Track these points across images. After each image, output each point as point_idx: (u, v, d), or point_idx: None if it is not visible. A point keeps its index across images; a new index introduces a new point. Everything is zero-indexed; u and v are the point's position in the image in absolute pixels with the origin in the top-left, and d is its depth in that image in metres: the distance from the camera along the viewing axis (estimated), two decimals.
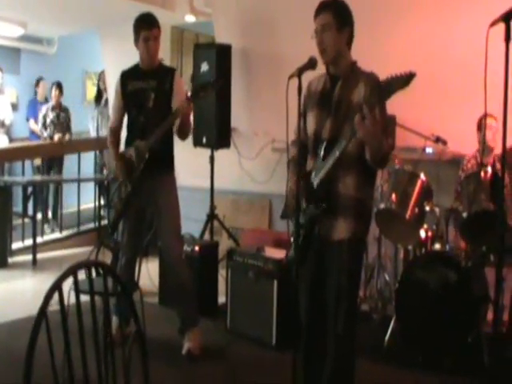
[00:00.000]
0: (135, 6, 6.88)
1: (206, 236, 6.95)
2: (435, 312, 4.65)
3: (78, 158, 9.63)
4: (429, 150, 5.40)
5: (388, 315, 5.36)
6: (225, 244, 6.80)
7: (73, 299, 2.22)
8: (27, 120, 10.58)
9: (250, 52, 7.31)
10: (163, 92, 4.69)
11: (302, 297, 3.46)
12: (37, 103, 10.44)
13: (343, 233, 3.29)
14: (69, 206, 9.72)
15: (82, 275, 2.22)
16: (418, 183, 4.90)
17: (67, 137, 9.54)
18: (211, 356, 4.85)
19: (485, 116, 4.72)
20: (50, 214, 9.46)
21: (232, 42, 7.13)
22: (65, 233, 9.07)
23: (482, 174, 4.66)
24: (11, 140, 10.56)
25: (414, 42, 5.96)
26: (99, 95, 10.30)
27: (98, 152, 10.08)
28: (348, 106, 3.25)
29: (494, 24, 2.38)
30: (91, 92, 11.97)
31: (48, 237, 8.88)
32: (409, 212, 4.80)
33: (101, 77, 10.29)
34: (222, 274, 5.84)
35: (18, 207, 9.05)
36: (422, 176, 4.91)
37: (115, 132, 4.96)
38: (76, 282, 2.18)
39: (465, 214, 4.65)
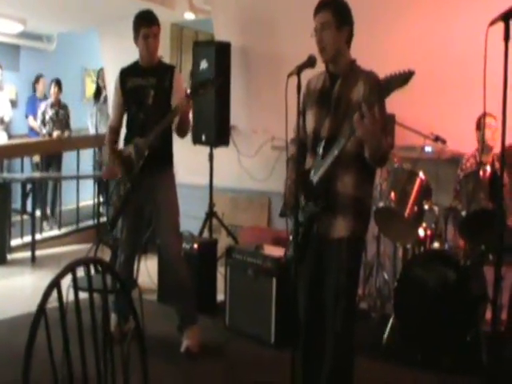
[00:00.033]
0: (135, 4, 6.86)
1: (205, 234, 6.96)
2: (434, 311, 4.65)
3: (76, 155, 9.62)
4: (428, 148, 5.40)
5: (387, 313, 5.36)
6: (224, 242, 6.80)
7: (71, 296, 2.22)
8: (26, 117, 10.57)
9: (249, 50, 7.31)
10: (163, 89, 4.68)
11: (301, 295, 3.46)
12: (36, 100, 10.44)
13: (342, 231, 3.30)
14: (68, 203, 9.71)
15: (80, 272, 2.23)
16: (417, 182, 4.90)
17: (66, 134, 9.54)
18: (210, 353, 4.86)
19: (484, 115, 4.72)
20: (48, 211, 9.46)
21: (231, 39, 7.13)
22: (64, 230, 9.06)
23: (481, 172, 4.66)
24: (10, 137, 10.54)
25: (413, 41, 5.96)
26: (98, 92, 10.30)
27: (96, 149, 10.08)
28: (347, 105, 3.25)
29: (493, 23, 2.38)
30: (90, 89, 11.97)
31: (47, 234, 8.88)
32: (408, 211, 4.81)
33: (100, 74, 10.28)
34: (220, 271, 5.85)
35: (16, 204, 9.04)
36: (421, 175, 4.92)
37: (114, 130, 4.96)
38: (75, 279, 2.18)
39: (464, 213, 4.65)
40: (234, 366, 4.71)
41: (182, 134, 4.77)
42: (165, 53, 8.12)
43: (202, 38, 10.03)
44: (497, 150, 5.08)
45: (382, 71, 3.08)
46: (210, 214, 7.01)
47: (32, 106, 10.40)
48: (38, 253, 7.89)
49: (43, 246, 8.28)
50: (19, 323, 5.19)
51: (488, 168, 4.66)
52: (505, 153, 2.49)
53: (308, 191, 3.34)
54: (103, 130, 9.23)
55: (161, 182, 4.77)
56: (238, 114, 7.28)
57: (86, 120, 10.50)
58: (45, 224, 9.09)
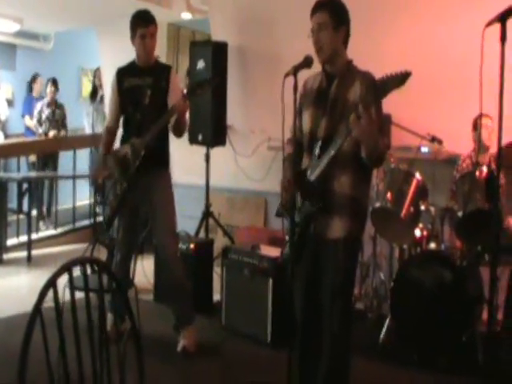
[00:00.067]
0: (132, 3, 6.86)
1: (201, 233, 6.95)
2: (430, 311, 4.65)
3: (73, 154, 9.62)
4: (424, 149, 5.40)
5: (383, 314, 5.37)
6: (220, 242, 6.80)
7: (68, 296, 2.22)
8: (23, 116, 10.56)
9: (246, 50, 7.31)
10: (159, 89, 4.68)
11: (298, 295, 3.46)
12: (32, 99, 10.43)
13: (339, 231, 3.30)
14: (64, 203, 9.70)
15: (76, 272, 2.22)
16: (414, 182, 4.90)
17: (62, 133, 9.53)
18: (206, 353, 4.86)
19: (480, 116, 4.73)
20: (45, 211, 9.46)
21: (228, 39, 7.13)
22: (60, 229, 9.05)
23: (478, 173, 4.66)
24: (6, 136, 10.56)
25: (410, 42, 5.96)
26: (94, 92, 10.29)
27: (93, 149, 10.07)
28: (344, 105, 3.25)
29: (489, 24, 2.39)
30: (87, 89, 11.96)
31: (43, 233, 8.87)
32: (404, 211, 4.81)
33: (96, 73, 10.27)
34: (217, 271, 5.85)
35: (12, 203, 9.02)
36: (418, 175, 4.92)
37: (111, 131, 4.95)
38: (71, 279, 2.18)
39: (460, 214, 4.66)
40: (231, 365, 4.72)
41: (178, 134, 4.77)
42: (161, 53, 8.12)
43: (198, 37, 10.03)
44: (493, 150, 5.08)
45: (379, 72, 3.09)
46: (207, 214, 7.00)
47: (28, 106, 10.40)
48: (34, 252, 7.88)
49: (39, 246, 8.27)
50: (15, 323, 5.18)
51: (484, 168, 4.66)
52: (501, 153, 2.49)
53: (305, 191, 3.34)
54: (100, 129, 9.21)
55: (157, 182, 4.77)
56: (234, 114, 7.28)
57: (83, 119, 10.49)
58: (41, 223, 9.09)
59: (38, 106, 9.63)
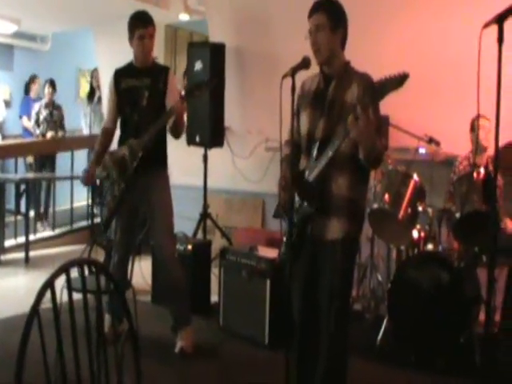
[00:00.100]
0: (129, 4, 6.88)
1: (199, 235, 6.96)
2: (427, 312, 4.66)
3: (71, 155, 9.61)
4: (422, 150, 5.41)
5: (380, 315, 5.37)
6: (218, 243, 6.80)
7: (65, 297, 2.22)
8: (20, 117, 10.56)
9: (243, 51, 7.32)
10: (157, 90, 4.68)
11: (295, 296, 3.46)
12: (30, 100, 10.43)
13: (336, 233, 3.30)
14: (61, 204, 9.70)
15: (74, 273, 2.23)
16: (411, 183, 4.90)
17: (60, 134, 9.52)
18: (204, 354, 4.86)
19: (478, 117, 4.73)
20: (42, 212, 9.45)
21: (226, 40, 7.13)
22: (57, 231, 9.06)
23: (475, 174, 4.67)
24: (4, 137, 10.55)
25: (408, 43, 5.98)
26: (92, 93, 10.29)
27: (91, 150, 10.05)
28: (341, 106, 3.25)
29: (487, 25, 2.38)
30: (84, 89, 11.97)
31: (41, 234, 8.87)
32: (401, 212, 4.81)
33: (94, 74, 10.28)
34: (214, 272, 5.85)
35: (10, 204, 9.02)
36: (415, 176, 4.92)
37: (108, 132, 4.94)
38: (68, 280, 2.17)
39: (457, 215, 4.66)
40: (228, 367, 4.72)
41: (176, 136, 4.77)
42: (159, 54, 8.11)
43: (196, 39, 10.05)
44: (491, 151, 5.09)
45: (377, 73, 3.09)
46: (204, 215, 7.01)
47: (26, 107, 10.39)
48: (32, 253, 7.88)
49: (37, 247, 8.27)
50: (12, 324, 5.18)
51: (482, 170, 4.67)
52: (499, 155, 2.49)
53: (303, 191, 3.34)
54: (97, 130, 9.22)
55: (155, 183, 4.77)
56: (232, 115, 7.28)
57: (80, 120, 10.49)
58: (39, 225, 9.08)
59: (36, 107, 9.62)
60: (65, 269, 2.14)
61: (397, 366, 4.65)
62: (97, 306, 2.32)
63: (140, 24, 4.63)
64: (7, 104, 11.37)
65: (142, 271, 6.02)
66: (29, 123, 9.95)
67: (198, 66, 6.92)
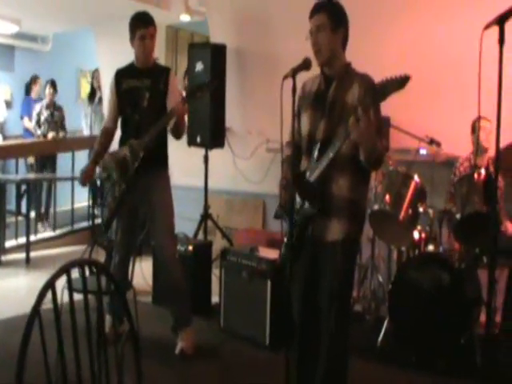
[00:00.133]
0: (130, 5, 6.89)
1: (200, 235, 6.96)
2: (428, 313, 4.65)
3: (71, 156, 9.61)
4: (423, 151, 5.41)
5: (381, 316, 5.37)
6: (218, 244, 6.80)
7: (66, 298, 2.22)
8: (21, 118, 10.56)
9: (244, 51, 7.32)
10: (158, 91, 4.68)
11: (296, 297, 3.46)
12: (31, 101, 10.43)
13: (337, 234, 3.30)
14: (62, 205, 9.70)
15: (75, 274, 2.22)
16: (412, 184, 4.90)
17: (61, 135, 9.52)
18: (204, 355, 4.85)
19: (479, 118, 4.73)
20: (43, 213, 9.45)
21: (227, 41, 7.13)
22: (58, 231, 9.06)
23: (476, 175, 4.66)
24: (5, 137, 10.54)
25: (409, 44, 5.97)
26: (92, 93, 10.28)
27: (91, 150, 10.04)
28: (342, 107, 3.25)
29: (488, 27, 2.38)
30: (85, 90, 11.97)
31: (41, 235, 8.87)
32: (402, 213, 4.81)
33: (94, 75, 10.27)
34: (215, 273, 5.85)
35: (11, 205, 9.02)
36: (416, 177, 4.92)
37: (108, 132, 4.94)
38: (69, 281, 2.18)
39: (458, 216, 4.66)
40: (229, 367, 4.71)
41: (177, 136, 4.77)
42: (160, 55, 8.12)
43: (197, 39, 10.05)
44: (491, 152, 5.09)
45: (378, 74, 3.09)
46: (205, 216, 7.01)
47: (27, 107, 10.39)
48: (33, 254, 7.88)
49: (38, 248, 8.27)
50: (13, 324, 5.18)
51: (482, 171, 4.67)
52: (500, 155, 2.49)
53: (304, 192, 3.34)
54: (98, 131, 9.21)
55: (156, 184, 4.77)
56: (233, 116, 7.29)
57: (81, 121, 10.49)
58: (39, 225, 9.09)
59: (37, 107, 9.62)
60: (66, 269, 2.15)
61: (397, 367, 4.65)
62: (97, 306, 2.32)
63: (141, 24, 4.63)
64: (8, 104, 11.38)
65: (142, 272, 6.02)
66: (30, 124, 9.95)
67: (199, 66, 6.92)
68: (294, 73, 3.16)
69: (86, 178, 4.88)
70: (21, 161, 9.70)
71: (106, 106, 5.11)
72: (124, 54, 4.96)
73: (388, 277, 5.68)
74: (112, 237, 5.12)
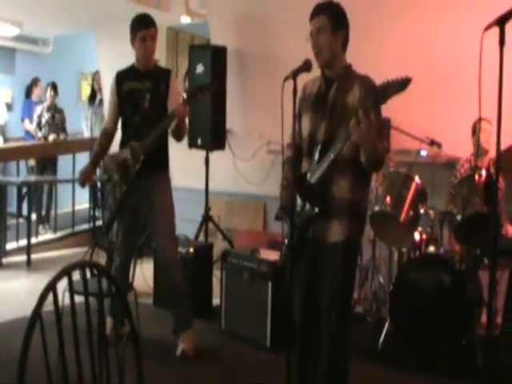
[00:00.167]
0: (131, 7, 6.90)
1: (201, 237, 6.95)
2: (429, 314, 4.65)
3: (72, 158, 9.62)
4: (423, 152, 5.40)
5: (382, 317, 5.37)
6: (219, 245, 6.80)
7: (67, 300, 2.22)
8: (22, 120, 10.56)
9: (245, 53, 7.32)
10: (159, 93, 4.68)
11: (297, 299, 3.46)
12: (32, 103, 10.43)
13: (338, 235, 3.30)
14: (63, 207, 9.71)
15: (76, 276, 2.22)
16: (413, 186, 4.90)
17: (62, 137, 9.52)
18: (205, 357, 4.85)
19: (479, 120, 4.73)
20: (44, 215, 9.45)
21: (227, 43, 7.14)
22: (59, 233, 9.05)
23: (476, 177, 4.67)
24: (6, 140, 10.54)
25: (409, 45, 5.97)
26: (93, 95, 10.28)
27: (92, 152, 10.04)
28: (343, 109, 3.26)
29: (488, 28, 2.38)
30: (86, 92, 11.96)
31: (42, 237, 8.87)
32: (403, 214, 4.81)
33: (95, 77, 10.28)
34: (216, 275, 5.85)
35: (12, 207, 9.02)
36: (417, 179, 4.92)
37: (108, 133, 4.94)
38: (70, 283, 2.18)
39: (459, 217, 4.66)
40: (230, 369, 4.71)
41: (178, 139, 4.77)
42: (161, 56, 8.14)
43: (197, 41, 10.05)
44: (492, 153, 5.09)
45: (378, 76, 3.09)
46: (206, 218, 7.00)
47: (28, 110, 10.40)
48: (34, 256, 7.88)
49: (39, 250, 8.27)
50: (15, 327, 5.18)
51: (483, 172, 4.67)
52: (500, 157, 2.49)
53: (304, 193, 3.34)
54: (98, 133, 9.22)
55: (157, 186, 4.77)
56: (233, 118, 7.29)
57: (81, 123, 10.50)
58: (40, 227, 9.09)
59: (38, 110, 9.62)
60: (67, 272, 2.15)
61: (398, 368, 4.65)
62: (98, 308, 2.33)
63: (142, 26, 4.63)
64: (9, 107, 11.38)
65: (143, 274, 6.02)
66: (31, 126, 9.95)
67: (200, 68, 6.92)
68: (294, 74, 3.16)
69: (85, 178, 4.89)
70: (22, 163, 9.70)
71: (107, 108, 5.11)
72: (125, 56, 4.96)
73: (389, 278, 5.69)
74: (113, 239, 5.12)
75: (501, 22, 2.36)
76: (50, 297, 2.07)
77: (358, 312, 5.69)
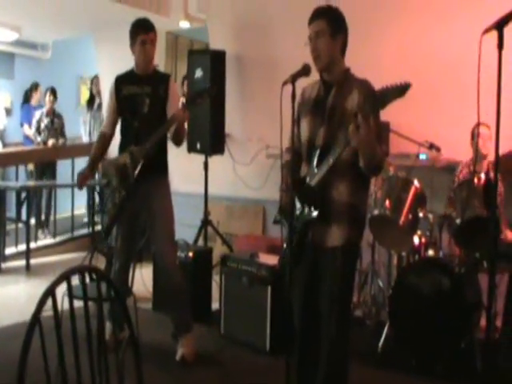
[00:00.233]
0: (130, 11, 6.90)
1: (200, 242, 6.95)
2: (428, 318, 4.65)
3: (71, 163, 9.61)
4: (422, 156, 5.41)
5: (381, 321, 5.37)
6: (219, 250, 6.80)
7: (66, 305, 2.22)
8: (21, 125, 10.56)
9: (244, 58, 7.33)
10: (158, 98, 4.69)
11: (296, 302, 3.46)
12: (31, 108, 10.43)
13: (337, 239, 3.30)
14: (62, 212, 9.70)
15: (75, 281, 2.23)
16: (412, 189, 4.91)
17: (61, 142, 9.52)
18: (205, 361, 4.85)
19: (478, 125, 4.73)
20: (43, 220, 9.44)
21: (226, 48, 7.14)
22: (58, 238, 9.04)
23: (476, 180, 4.67)
24: (5, 145, 10.53)
25: (408, 49, 5.98)
26: (91, 99, 10.28)
27: None
28: (342, 113, 3.26)
29: (486, 32, 2.38)
30: (85, 97, 11.96)
31: (41, 242, 8.85)
32: (402, 218, 4.81)
33: (94, 81, 10.28)
34: (215, 279, 5.84)
35: (11, 212, 9.01)
36: (416, 182, 4.93)
37: (105, 137, 4.93)
38: (69, 288, 2.18)
39: (458, 221, 4.66)
40: (230, 373, 4.71)
41: (178, 143, 4.77)
42: (160, 61, 8.14)
43: (196, 46, 10.06)
44: (491, 157, 5.09)
45: (376, 79, 3.09)
46: (205, 223, 7.00)
47: (27, 114, 10.39)
48: (33, 261, 7.87)
49: (38, 255, 8.26)
50: (14, 332, 5.17)
51: (482, 176, 4.67)
52: (499, 161, 2.49)
53: (304, 195, 3.34)
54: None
55: (156, 191, 4.77)
56: (232, 123, 7.29)
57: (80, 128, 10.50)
58: (39, 232, 9.08)
59: (37, 114, 9.61)
60: (66, 276, 2.15)
61: (398, 371, 4.65)
62: (98, 313, 2.32)
63: (141, 30, 4.64)
64: (8, 112, 11.39)
65: (143, 278, 6.01)
66: (30, 131, 9.94)
67: (199, 73, 6.92)
68: (293, 79, 3.17)
69: (83, 180, 4.89)
70: (21, 168, 9.70)
71: (105, 110, 5.11)
72: (124, 61, 4.97)
73: (388, 282, 5.68)
74: (112, 243, 5.12)
75: (499, 25, 2.35)
76: (49, 302, 2.06)
77: (358, 316, 5.69)
